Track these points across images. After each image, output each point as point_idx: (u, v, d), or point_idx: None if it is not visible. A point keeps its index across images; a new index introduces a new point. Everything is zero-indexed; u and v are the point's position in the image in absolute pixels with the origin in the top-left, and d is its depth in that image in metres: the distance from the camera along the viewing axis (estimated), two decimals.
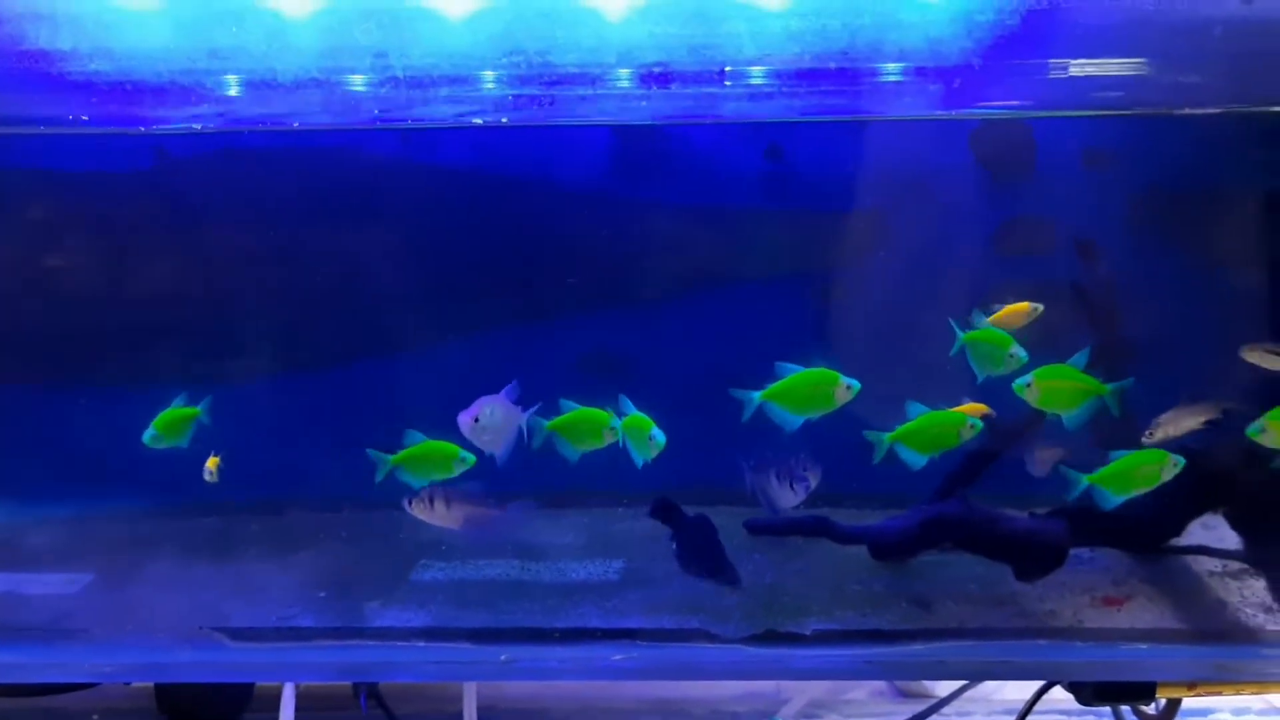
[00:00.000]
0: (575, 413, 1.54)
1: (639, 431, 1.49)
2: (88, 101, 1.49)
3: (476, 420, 1.49)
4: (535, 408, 1.52)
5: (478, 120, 1.43)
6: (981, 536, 1.56)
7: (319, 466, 1.87)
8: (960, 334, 1.52)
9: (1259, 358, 1.55)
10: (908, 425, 1.53)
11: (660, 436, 1.48)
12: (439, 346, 1.88)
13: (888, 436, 1.50)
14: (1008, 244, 1.76)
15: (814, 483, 1.48)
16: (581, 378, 1.90)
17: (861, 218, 1.72)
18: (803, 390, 1.49)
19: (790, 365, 1.49)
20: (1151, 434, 1.58)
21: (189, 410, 1.66)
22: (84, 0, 1.39)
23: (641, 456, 1.49)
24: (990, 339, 1.57)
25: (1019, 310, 1.57)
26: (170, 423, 1.64)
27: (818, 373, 1.50)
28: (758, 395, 1.48)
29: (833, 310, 1.76)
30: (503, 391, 1.53)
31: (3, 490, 1.88)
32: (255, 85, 1.36)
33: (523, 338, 1.90)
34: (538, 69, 1.38)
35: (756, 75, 1.49)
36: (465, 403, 1.84)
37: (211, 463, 1.68)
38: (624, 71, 1.45)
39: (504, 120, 1.43)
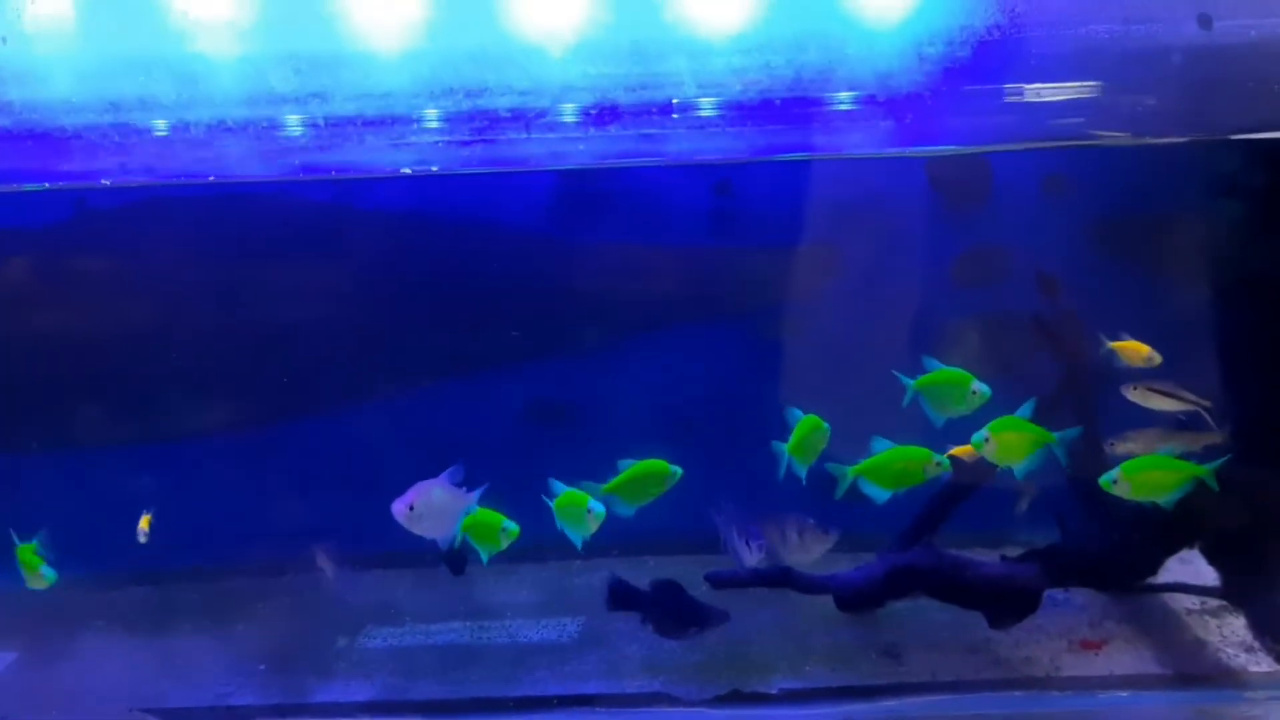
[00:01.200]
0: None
1: (575, 508, 1.42)
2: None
3: (411, 508, 1.38)
4: (483, 489, 1.42)
5: (406, 170, 1.36)
6: (951, 583, 1.49)
7: (259, 528, 1.78)
8: (910, 383, 1.45)
9: (1140, 396, 1.50)
10: (872, 460, 1.46)
11: (599, 508, 1.40)
12: (379, 400, 1.80)
13: (850, 470, 1.43)
14: (965, 274, 1.70)
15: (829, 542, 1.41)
16: (528, 428, 1.83)
17: (816, 252, 1.66)
18: (895, 467, 1.42)
19: (882, 441, 1.42)
20: (1114, 446, 1.52)
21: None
22: None
23: (580, 535, 1.42)
24: (949, 379, 1.51)
25: (1138, 350, 1.50)
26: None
27: (911, 450, 1.43)
28: (850, 470, 1.40)
29: (790, 347, 1.69)
30: (444, 474, 1.43)
31: None
32: (167, 138, 1.28)
33: (466, 387, 1.83)
34: (470, 111, 1.31)
35: (702, 111, 1.43)
36: (409, 458, 1.77)
37: (144, 522, 1.59)
38: (567, 107, 1.38)
39: (434, 169, 1.35)
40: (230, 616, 1.73)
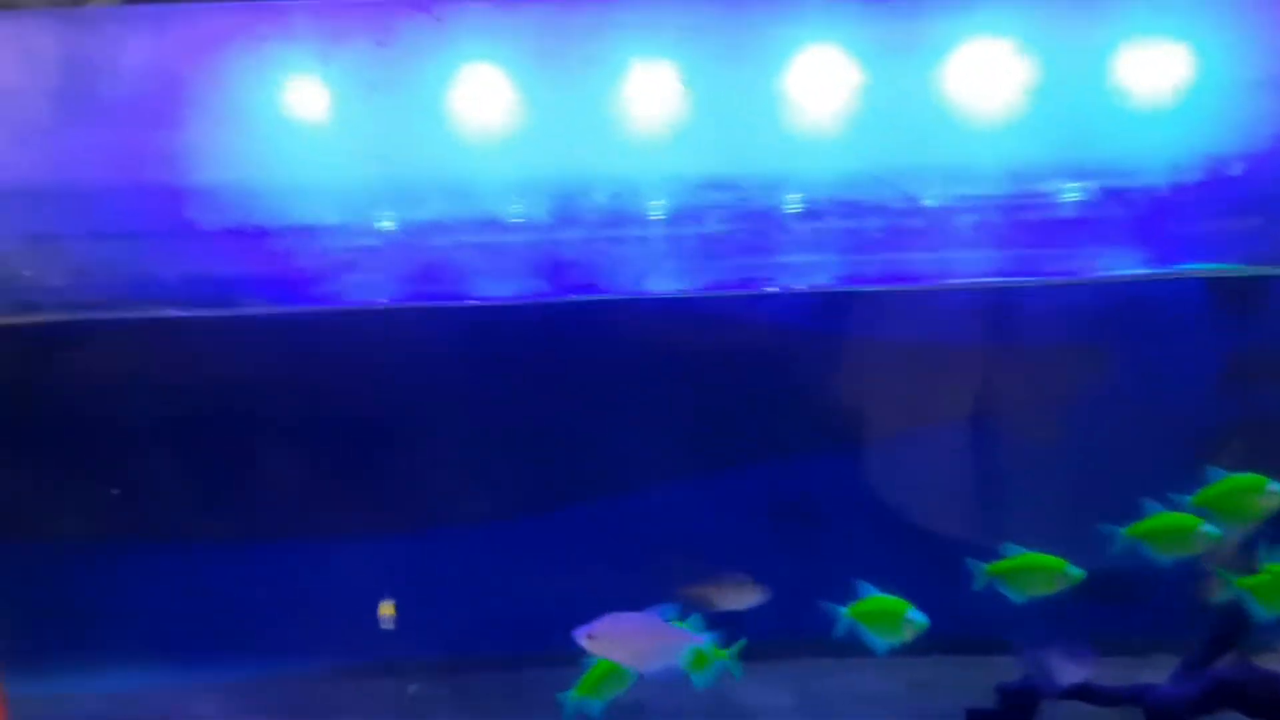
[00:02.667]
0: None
1: (891, 615, 1.40)
2: None
3: (590, 637, 1.36)
4: (701, 641, 1.39)
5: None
6: (1272, 699, 1.45)
7: (503, 621, 1.78)
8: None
9: None
10: (1147, 521, 1.44)
11: (920, 618, 1.38)
12: (627, 496, 1.79)
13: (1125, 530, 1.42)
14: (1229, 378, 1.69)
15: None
16: (774, 528, 1.82)
17: (1081, 355, 1.65)
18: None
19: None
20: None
21: None
22: None
23: (889, 642, 1.40)
24: (1241, 485, 1.48)
25: None
26: None
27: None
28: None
29: (1048, 454, 1.67)
30: (654, 610, 1.42)
31: (165, 656, 1.78)
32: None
33: (710, 485, 1.82)
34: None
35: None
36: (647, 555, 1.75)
37: (387, 609, 1.59)
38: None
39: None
40: (483, 713, 1.72)
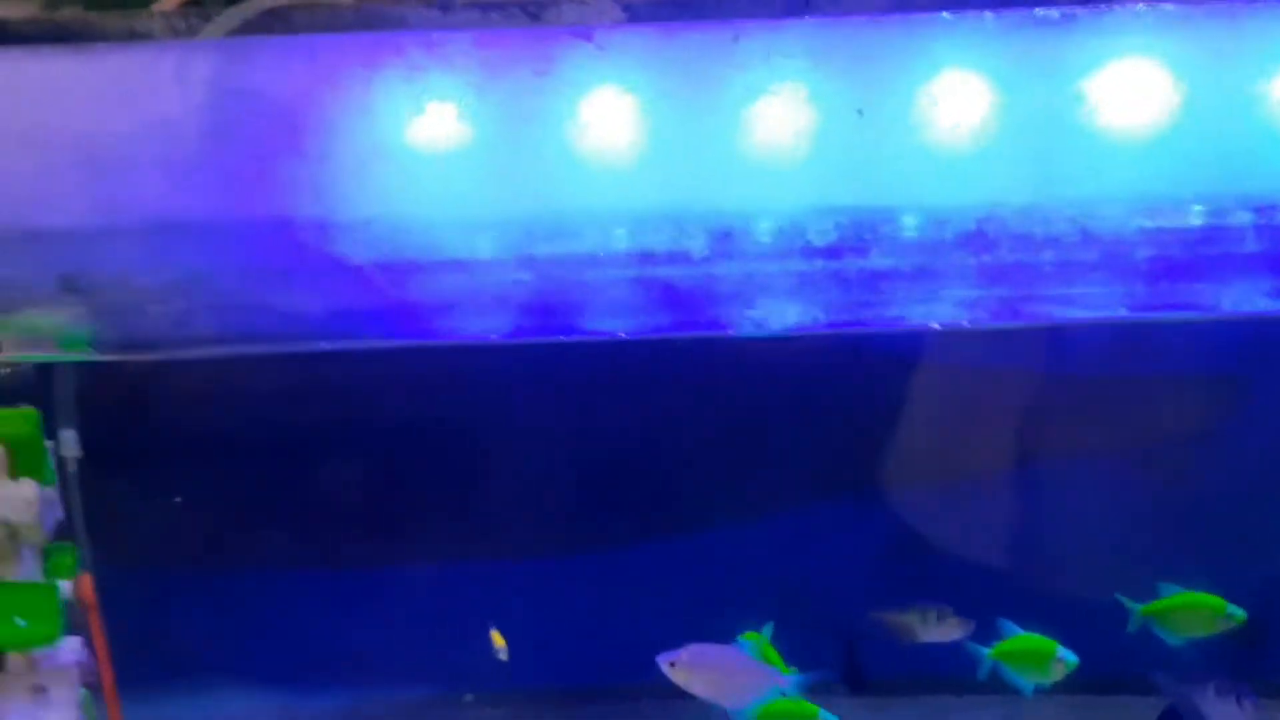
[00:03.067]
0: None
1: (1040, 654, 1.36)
2: None
3: (672, 665, 1.34)
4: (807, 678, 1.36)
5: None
6: None
7: (616, 650, 1.76)
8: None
9: None
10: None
11: (1071, 657, 1.35)
12: (752, 525, 1.77)
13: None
14: None
15: None
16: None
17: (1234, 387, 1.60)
18: None
19: None
20: None
21: None
22: None
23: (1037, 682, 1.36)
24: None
25: None
26: None
27: None
28: None
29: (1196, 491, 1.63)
30: (738, 645, 1.39)
31: (270, 682, 1.79)
32: None
33: (832, 515, 1.80)
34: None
35: None
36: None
37: (500, 640, 1.58)
38: None
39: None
40: None
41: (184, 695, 1.71)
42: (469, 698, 1.70)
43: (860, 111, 1.17)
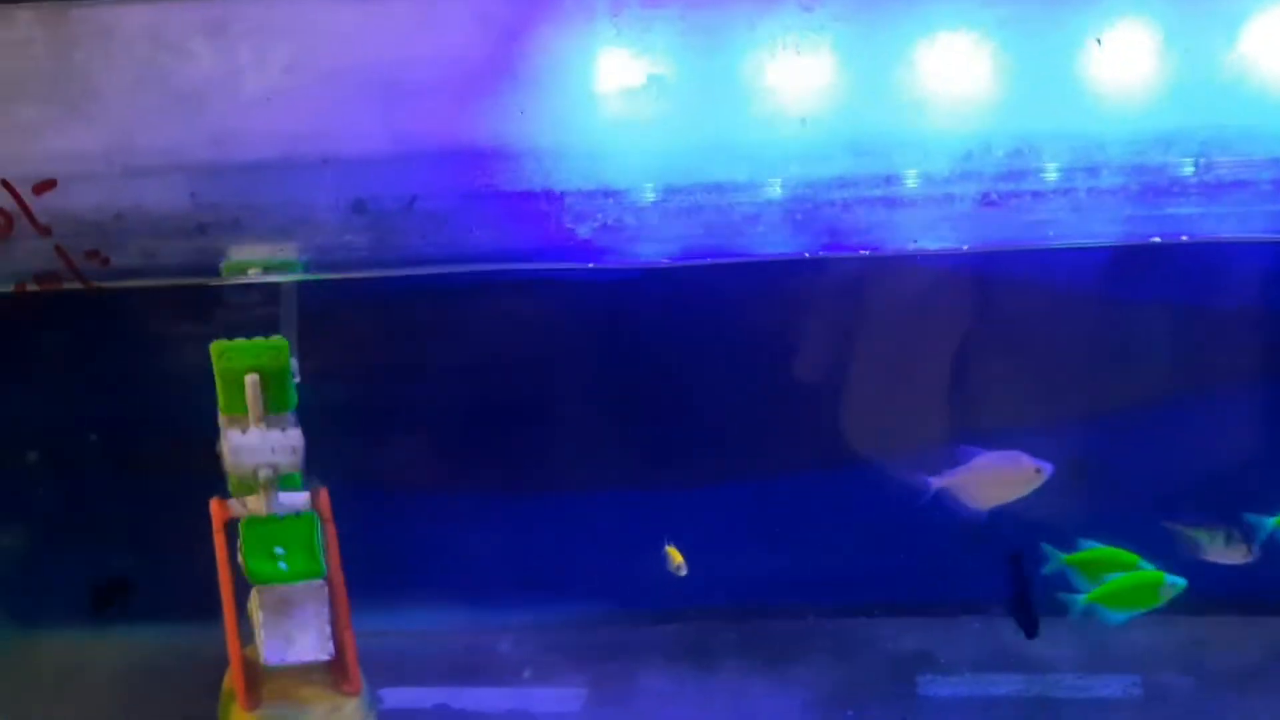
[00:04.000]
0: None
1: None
2: None
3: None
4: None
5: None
6: None
7: (792, 572, 1.82)
8: None
9: None
10: None
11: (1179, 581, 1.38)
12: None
13: None
14: None
15: None
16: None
17: None
18: None
19: None
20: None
21: None
22: None
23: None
24: None
25: None
26: None
27: None
28: None
29: None
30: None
31: (465, 598, 1.86)
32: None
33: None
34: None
35: None
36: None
37: (677, 556, 1.62)
38: None
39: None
40: (775, 659, 1.77)
41: (383, 605, 1.80)
42: None
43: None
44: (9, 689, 1.78)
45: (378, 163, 1.21)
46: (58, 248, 1.23)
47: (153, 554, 1.81)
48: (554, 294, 1.61)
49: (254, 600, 1.64)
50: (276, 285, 1.35)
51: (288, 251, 1.34)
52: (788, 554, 1.81)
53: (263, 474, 1.32)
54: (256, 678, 1.57)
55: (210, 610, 1.78)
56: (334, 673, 1.68)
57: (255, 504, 1.36)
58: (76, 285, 1.25)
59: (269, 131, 1.20)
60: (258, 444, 1.31)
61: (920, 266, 1.64)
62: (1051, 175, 1.34)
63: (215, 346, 1.30)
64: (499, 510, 1.84)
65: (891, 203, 1.38)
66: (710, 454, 1.83)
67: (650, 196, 1.32)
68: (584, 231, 1.24)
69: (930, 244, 1.41)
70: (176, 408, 1.68)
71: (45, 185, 1.21)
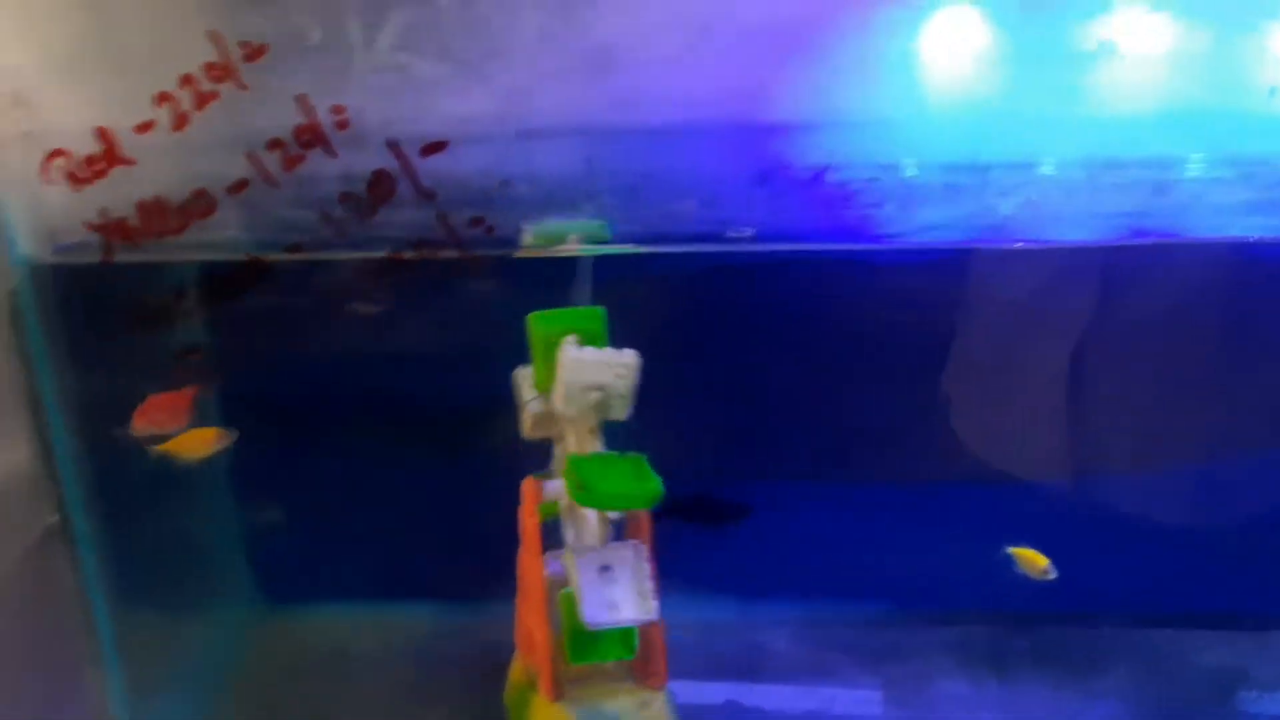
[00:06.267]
0: None
1: None
2: None
3: None
4: None
5: None
6: None
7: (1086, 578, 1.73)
8: None
9: None
10: None
11: None
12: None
13: None
14: None
15: None
16: None
17: None
18: None
19: None
20: None
21: None
22: None
23: None
24: None
25: None
26: None
27: None
28: None
29: None
30: None
31: (734, 588, 1.80)
32: None
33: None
34: None
35: None
36: None
37: (1039, 558, 1.54)
38: None
39: None
40: (1074, 669, 1.68)
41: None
42: None
43: None
44: (279, 667, 1.75)
45: (788, 130, 1.14)
46: (440, 214, 1.18)
47: (429, 532, 1.78)
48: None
49: (569, 559, 1.59)
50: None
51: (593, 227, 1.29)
52: (1083, 558, 1.72)
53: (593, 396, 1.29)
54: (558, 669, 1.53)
55: (486, 593, 1.75)
56: (634, 666, 1.63)
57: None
58: (453, 254, 1.20)
59: (675, 95, 1.13)
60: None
61: None
62: None
63: (532, 317, 1.28)
64: (779, 500, 1.78)
65: None
66: (1056, 450, 1.74)
67: None
68: (1005, 208, 1.17)
69: None
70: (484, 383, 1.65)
71: (434, 147, 1.16)
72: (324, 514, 1.68)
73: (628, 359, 1.27)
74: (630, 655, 1.41)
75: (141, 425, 1.48)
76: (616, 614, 1.33)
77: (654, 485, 1.27)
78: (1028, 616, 1.76)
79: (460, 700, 1.62)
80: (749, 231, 1.20)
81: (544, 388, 1.36)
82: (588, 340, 1.30)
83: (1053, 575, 1.50)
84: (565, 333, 1.29)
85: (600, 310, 1.29)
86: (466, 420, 1.65)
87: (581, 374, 1.27)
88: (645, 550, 1.38)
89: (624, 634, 1.39)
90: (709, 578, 1.76)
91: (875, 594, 1.79)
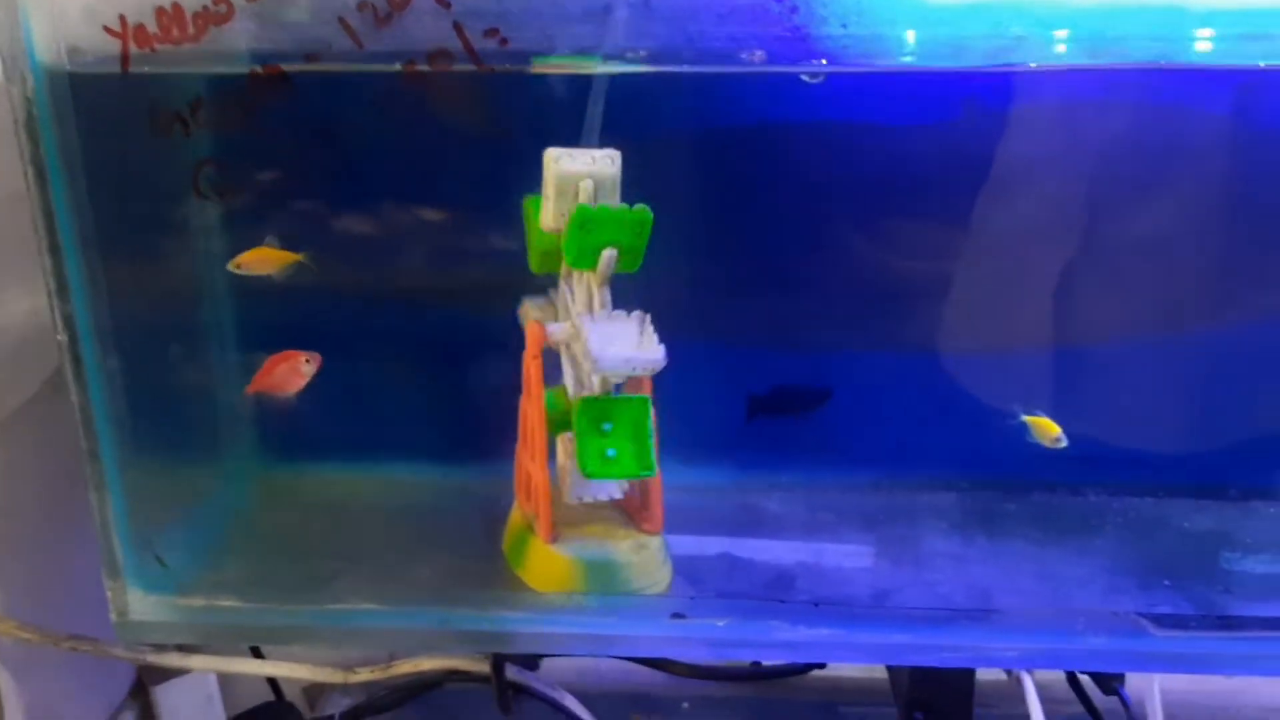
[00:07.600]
0: None
1: None
2: None
3: None
4: None
5: None
6: None
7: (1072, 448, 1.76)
8: None
9: None
10: None
11: None
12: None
13: None
14: None
15: None
16: None
17: None
18: None
19: None
20: None
21: None
22: None
23: None
24: None
25: None
26: None
27: None
28: None
29: None
30: None
31: (739, 455, 1.83)
32: None
33: None
34: None
35: None
36: None
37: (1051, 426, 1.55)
38: None
39: None
40: (1064, 532, 1.71)
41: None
42: None
43: None
44: (285, 518, 1.77)
45: None
46: (456, 24, 1.19)
47: (425, 392, 1.80)
48: None
49: (561, 447, 1.62)
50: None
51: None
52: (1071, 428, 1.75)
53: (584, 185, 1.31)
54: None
55: (480, 451, 1.76)
56: (631, 513, 1.66)
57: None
58: (469, 67, 1.21)
59: None
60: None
61: None
62: None
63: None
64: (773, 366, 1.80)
65: None
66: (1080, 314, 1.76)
67: None
68: None
69: None
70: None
71: None
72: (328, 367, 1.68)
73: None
74: (651, 472, 1.43)
75: (263, 384, 1.53)
76: (627, 351, 1.35)
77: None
78: (1018, 484, 1.79)
79: (459, 550, 1.64)
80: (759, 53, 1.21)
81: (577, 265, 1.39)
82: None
83: (1063, 444, 1.53)
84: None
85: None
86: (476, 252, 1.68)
87: (572, 163, 1.30)
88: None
89: (638, 450, 1.41)
90: (705, 442, 1.79)
91: (867, 462, 1.82)
